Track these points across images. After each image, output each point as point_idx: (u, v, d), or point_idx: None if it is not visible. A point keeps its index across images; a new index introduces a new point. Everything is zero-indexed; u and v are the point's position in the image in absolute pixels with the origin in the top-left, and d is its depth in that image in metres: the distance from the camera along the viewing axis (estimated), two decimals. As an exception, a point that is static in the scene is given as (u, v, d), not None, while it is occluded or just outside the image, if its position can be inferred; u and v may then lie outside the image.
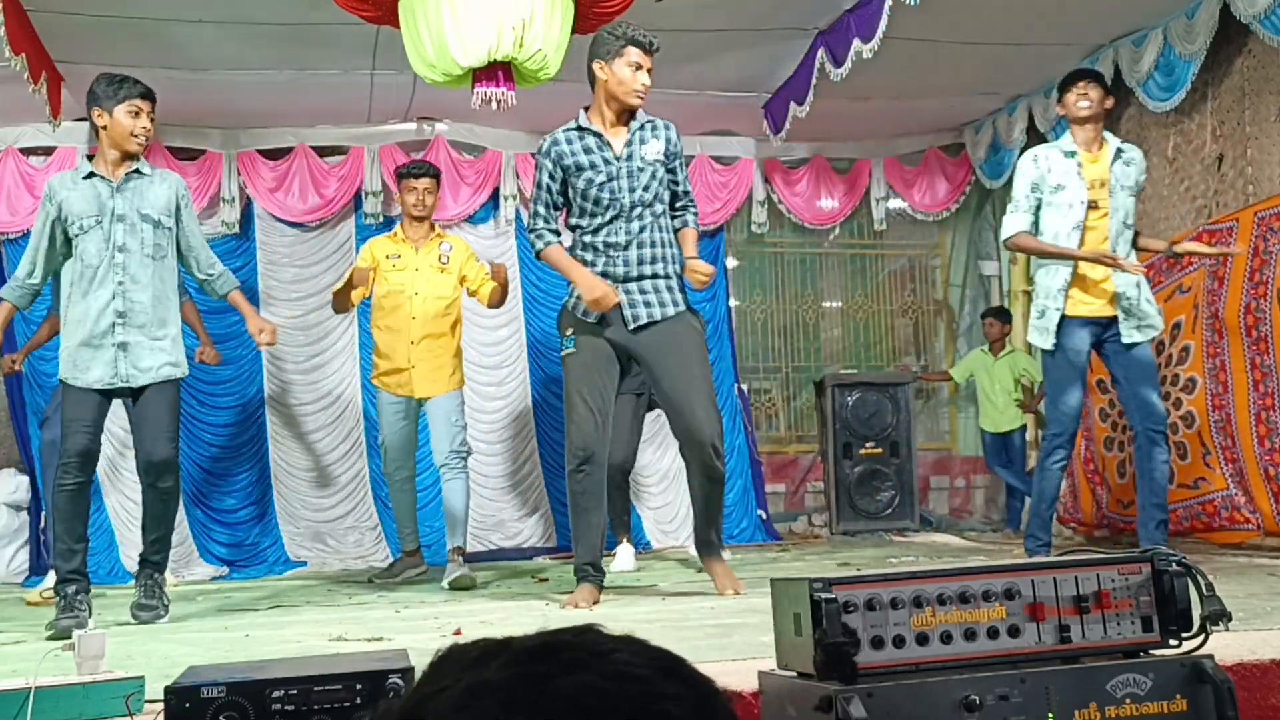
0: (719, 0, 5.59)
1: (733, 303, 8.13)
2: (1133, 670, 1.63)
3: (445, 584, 5.16)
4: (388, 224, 7.45)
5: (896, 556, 5.96)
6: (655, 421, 7.73)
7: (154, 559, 4.21)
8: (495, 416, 7.37)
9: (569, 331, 4.16)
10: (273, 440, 7.17)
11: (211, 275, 4.32)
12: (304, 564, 6.94)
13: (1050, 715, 1.59)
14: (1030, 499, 7.43)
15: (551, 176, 4.14)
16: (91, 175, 4.15)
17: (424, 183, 5.59)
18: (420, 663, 1.85)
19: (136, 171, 4.19)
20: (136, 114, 4.16)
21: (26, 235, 6.90)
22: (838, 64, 5.90)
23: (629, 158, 4.11)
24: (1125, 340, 4.69)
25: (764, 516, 7.75)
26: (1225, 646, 2.07)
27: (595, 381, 4.08)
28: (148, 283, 4.08)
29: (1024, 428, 7.50)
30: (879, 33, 5.40)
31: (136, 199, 4.13)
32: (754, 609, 3.45)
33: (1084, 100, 4.78)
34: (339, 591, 5.30)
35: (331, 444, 7.28)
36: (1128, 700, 1.62)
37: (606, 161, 4.10)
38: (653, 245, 4.11)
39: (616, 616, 3.72)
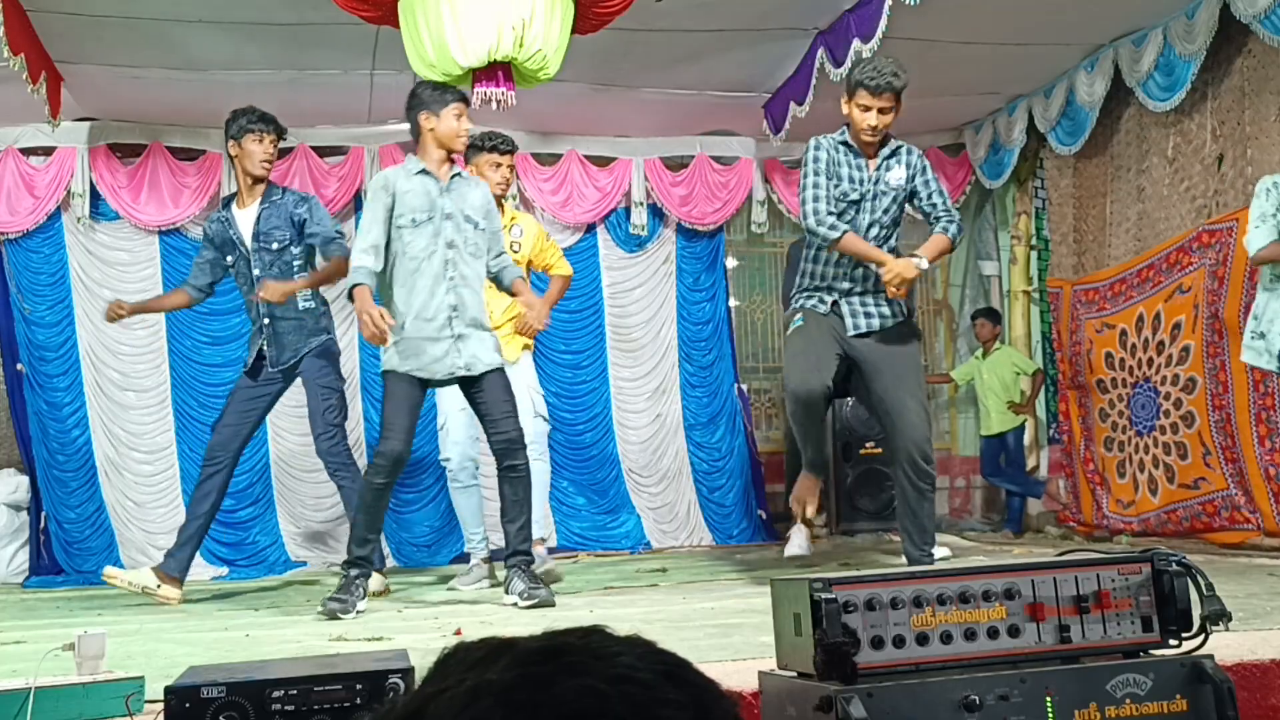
0: (719, 0, 5.59)
1: (733, 303, 8.13)
2: (1133, 670, 1.63)
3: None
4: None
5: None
6: (656, 421, 7.74)
7: (524, 545, 4.26)
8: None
9: None
10: (273, 440, 7.17)
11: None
12: (304, 564, 6.94)
13: (1050, 715, 1.59)
14: (1032, 501, 7.48)
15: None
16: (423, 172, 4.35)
17: (509, 159, 5.16)
18: (420, 663, 1.85)
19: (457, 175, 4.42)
20: (459, 117, 4.35)
21: (27, 235, 6.94)
22: (838, 64, 5.89)
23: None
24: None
25: (764, 516, 7.75)
26: (1225, 646, 2.07)
27: None
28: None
29: (1021, 429, 7.49)
30: (879, 33, 5.39)
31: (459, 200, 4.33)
32: (754, 609, 3.45)
33: None
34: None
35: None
36: (1128, 700, 1.62)
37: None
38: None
39: (617, 617, 3.73)
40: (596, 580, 5.25)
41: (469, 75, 4.66)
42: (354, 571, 4.14)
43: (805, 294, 4.53)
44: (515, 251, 5.14)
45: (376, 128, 7.27)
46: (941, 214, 4.50)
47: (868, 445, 7.64)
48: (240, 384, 5.06)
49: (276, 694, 1.78)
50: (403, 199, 4.27)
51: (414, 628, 3.58)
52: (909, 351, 4.43)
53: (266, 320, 4.92)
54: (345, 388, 5.20)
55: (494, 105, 4.68)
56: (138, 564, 6.80)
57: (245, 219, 4.97)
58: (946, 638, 1.64)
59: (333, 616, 3.93)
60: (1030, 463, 7.61)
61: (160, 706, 1.80)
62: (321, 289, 5.06)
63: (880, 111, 4.33)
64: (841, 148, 4.45)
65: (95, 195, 6.98)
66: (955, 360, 8.33)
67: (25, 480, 6.81)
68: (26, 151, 6.87)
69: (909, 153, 4.50)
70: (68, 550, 6.73)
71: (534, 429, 4.91)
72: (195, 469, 6.97)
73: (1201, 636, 1.71)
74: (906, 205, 4.55)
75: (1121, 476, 6.35)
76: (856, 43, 5.62)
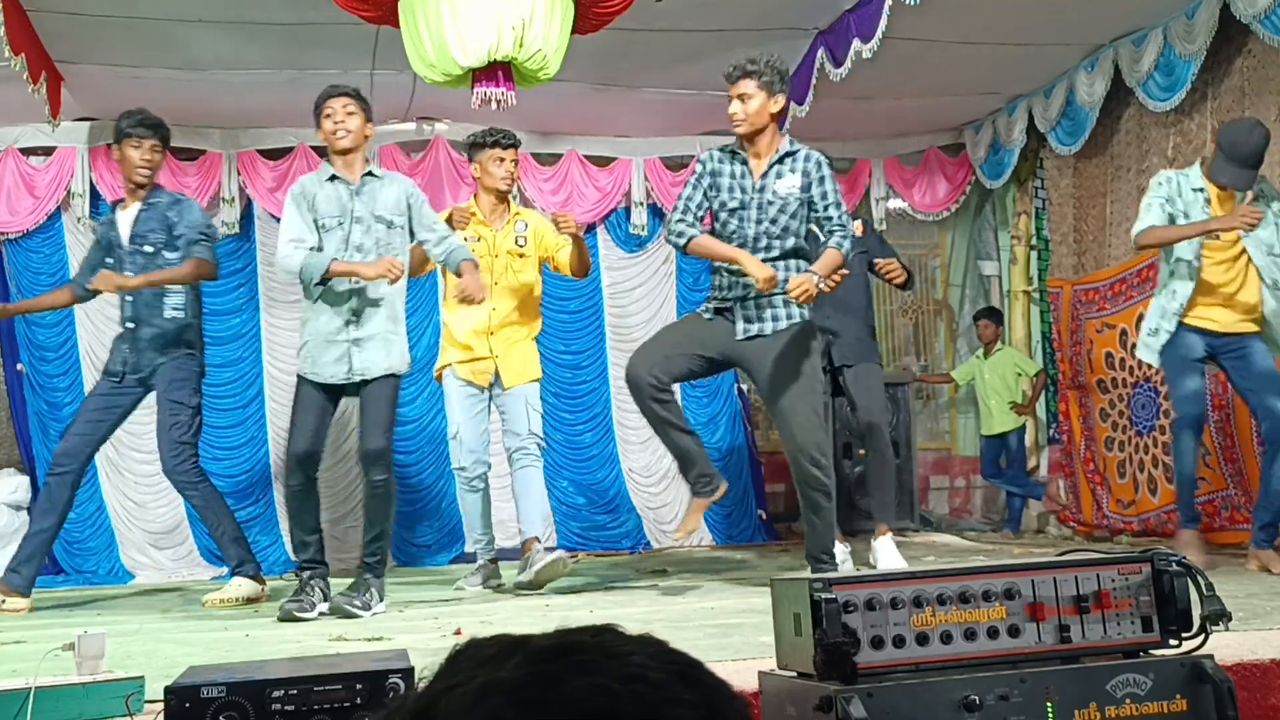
0: (719, 0, 5.59)
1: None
2: (1133, 670, 1.63)
3: (526, 579, 4.71)
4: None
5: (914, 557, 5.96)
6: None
7: (372, 558, 4.27)
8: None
9: None
10: (273, 440, 7.17)
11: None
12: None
13: (1050, 715, 1.59)
14: (1032, 501, 7.47)
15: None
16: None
17: (512, 153, 5.05)
18: (420, 663, 1.85)
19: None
20: (328, 117, 4.35)
21: (27, 235, 6.94)
22: (837, 64, 5.90)
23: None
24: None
25: (764, 516, 7.75)
26: (1225, 646, 2.07)
27: None
28: None
29: (1022, 429, 7.49)
30: (879, 33, 5.40)
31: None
32: (754, 609, 3.45)
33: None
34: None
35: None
36: (1128, 700, 1.62)
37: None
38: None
39: (616, 617, 3.72)
40: (596, 580, 5.25)
41: (469, 75, 4.66)
42: (306, 573, 4.23)
43: (711, 302, 4.44)
44: (521, 246, 5.05)
45: (377, 128, 7.25)
46: (835, 227, 4.28)
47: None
48: (96, 389, 4.94)
49: (276, 694, 1.78)
50: (316, 206, 4.27)
51: (414, 628, 3.58)
52: (802, 357, 4.26)
53: (130, 325, 4.80)
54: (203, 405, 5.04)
55: (494, 105, 4.67)
56: (137, 564, 6.82)
57: (125, 221, 4.88)
58: (946, 638, 1.64)
59: (290, 617, 3.93)
60: (1031, 463, 7.61)
61: (160, 706, 1.80)
62: (202, 305, 4.99)
63: (740, 99, 4.24)
64: (728, 157, 4.36)
65: (95, 195, 6.98)
66: (955, 360, 8.33)
67: (25, 480, 6.81)
68: (26, 151, 6.87)
69: (806, 159, 4.31)
70: (68, 550, 6.73)
71: (529, 442, 4.98)
72: (195, 469, 7.00)
73: (1201, 636, 1.71)
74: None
75: (1122, 476, 6.35)
76: (856, 43, 5.62)
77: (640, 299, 7.79)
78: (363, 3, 4.80)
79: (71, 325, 6.98)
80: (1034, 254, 7.74)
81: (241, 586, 4.79)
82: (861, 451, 7.62)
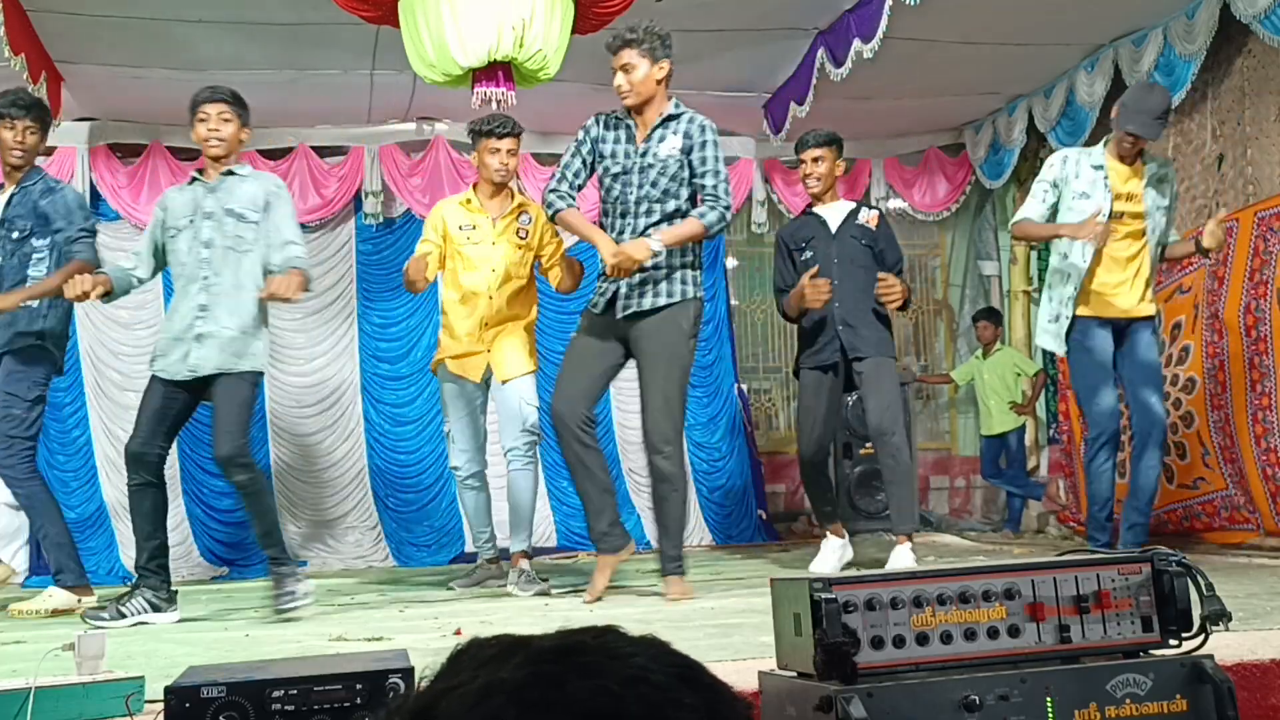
0: (719, 0, 5.59)
1: (733, 302, 8.13)
2: (1133, 670, 1.63)
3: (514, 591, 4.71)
4: (387, 225, 7.45)
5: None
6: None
7: (269, 552, 4.13)
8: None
9: None
10: (273, 440, 7.17)
11: None
12: (304, 564, 6.93)
13: (1050, 715, 1.59)
14: (1032, 501, 7.47)
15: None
16: None
17: (508, 143, 4.93)
18: (420, 663, 1.85)
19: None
20: (201, 121, 4.17)
21: (26, 235, 6.94)
22: (838, 64, 5.90)
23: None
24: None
25: (764, 516, 7.75)
26: (1225, 646, 2.07)
27: None
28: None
29: (1021, 429, 7.49)
30: (879, 33, 5.40)
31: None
32: (754, 609, 3.45)
33: (1127, 142, 4.67)
34: (339, 591, 5.29)
35: (332, 444, 7.29)
36: (1128, 700, 1.61)
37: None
38: None
39: (616, 617, 3.72)
40: (596, 580, 5.24)
41: (469, 75, 4.66)
42: (135, 580, 4.05)
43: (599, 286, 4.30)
44: (523, 239, 4.97)
45: (376, 128, 7.28)
46: (707, 196, 4.16)
47: (868, 445, 7.63)
48: None
49: (276, 694, 1.78)
50: (169, 212, 4.19)
51: (414, 628, 3.58)
52: (664, 338, 4.11)
53: None
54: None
55: (494, 105, 4.68)
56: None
57: None
58: (946, 638, 1.64)
59: (89, 619, 3.85)
60: (1031, 463, 7.61)
61: (160, 706, 1.79)
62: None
63: (624, 70, 4.19)
64: (612, 122, 4.31)
65: (95, 196, 6.97)
66: (955, 360, 8.34)
67: (25, 480, 6.80)
68: (26, 151, 6.86)
69: (690, 122, 4.20)
70: (68, 550, 6.73)
71: (521, 441, 4.86)
72: (195, 469, 7.00)
73: (1201, 636, 1.71)
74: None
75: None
76: (857, 43, 5.63)
77: (640, 299, 7.78)
78: (363, 3, 4.80)
79: (72, 325, 6.97)
80: (1034, 254, 7.74)
81: (53, 597, 4.50)
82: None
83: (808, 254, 5.10)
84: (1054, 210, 4.78)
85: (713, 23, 5.80)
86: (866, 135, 7.83)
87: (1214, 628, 1.70)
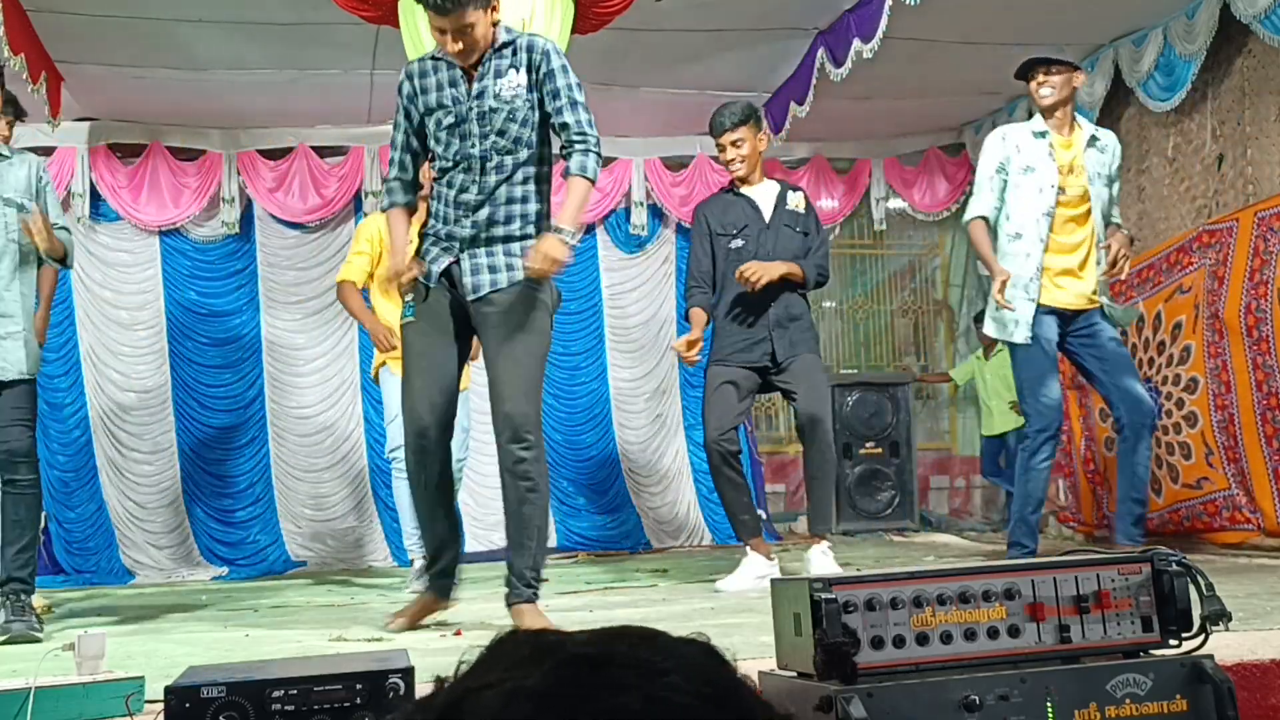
0: (719, 0, 5.59)
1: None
2: (1133, 670, 1.63)
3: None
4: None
5: (914, 557, 5.96)
6: (656, 421, 7.73)
7: (18, 574, 3.71)
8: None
9: None
10: (273, 440, 7.17)
11: None
12: (304, 563, 6.94)
13: (1050, 715, 1.59)
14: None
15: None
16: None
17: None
18: (420, 663, 1.85)
19: None
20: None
21: (26, 235, 6.94)
22: (838, 64, 5.90)
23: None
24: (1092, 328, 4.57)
25: (764, 516, 7.74)
26: (1225, 646, 2.07)
27: None
28: None
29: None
30: (879, 33, 5.40)
31: None
32: (754, 609, 3.45)
33: (1045, 88, 4.54)
34: (339, 591, 5.29)
35: (332, 444, 7.29)
36: (1128, 700, 1.61)
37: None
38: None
39: (617, 617, 3.73)
40: (596, 580, 5.25)
41: (469, 75, 4.64)
42: (7, 587, 3.65)
43: (427, 243, 3.49)
44: None
45: (376, 128, 7.27)
46: (574, 138, 3.36)
47: (868, 445, 7.64)
48: None
49: (276, 694, 1.77)
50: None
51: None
52: (524, 313, 3.37)
53: None
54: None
55: (494, 105, 4.65)
56: (138, 565, 6.81)
57: None
58: (946, 638, 1.64)
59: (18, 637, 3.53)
60: (1030, 463, 7.61)
61: (160, 706, 1.79)
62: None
63: (450, 33, 3.29)
64: (429, 66, 3.45)
65: (95, 196, 6.98)
66: (955, 360, 8.34)
67: (25, 480, 6.80)
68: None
69: (530, 49, 3.38)
70: (68, 550, 6.74)
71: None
72: (196, 469, 7.01)
73: (1201, 636, 1.71)
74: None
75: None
76: (857, 43, 5.63)
77: (640, 299, 7.79)
78: (363, 3, 4.80)
79: (72, 325, 6.98)
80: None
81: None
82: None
83: (738, 243, 4.64)
84: (1003, 194, 4.62)
85: (713, 23, 5.80)
86: (866, 135, 7.84)
87: (1214, 628, 1.70)
